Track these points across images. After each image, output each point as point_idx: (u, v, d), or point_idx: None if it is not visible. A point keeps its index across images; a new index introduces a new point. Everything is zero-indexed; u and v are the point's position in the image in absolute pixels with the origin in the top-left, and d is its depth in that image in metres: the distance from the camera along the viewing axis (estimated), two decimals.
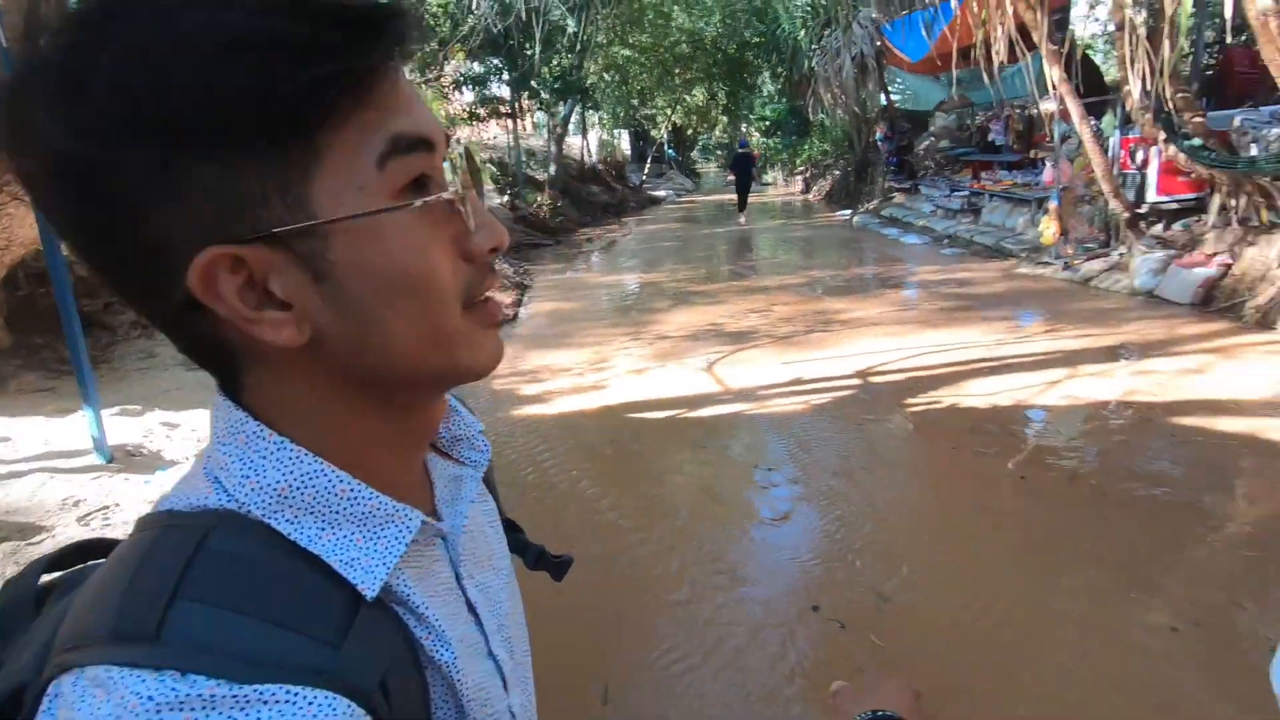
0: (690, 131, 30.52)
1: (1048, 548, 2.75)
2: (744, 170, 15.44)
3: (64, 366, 4.33)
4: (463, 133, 12.42)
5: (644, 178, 24.45)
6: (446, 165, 0.41)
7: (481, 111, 13.19)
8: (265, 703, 0.31)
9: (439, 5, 10.47)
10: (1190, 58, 8.11)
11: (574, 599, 2.55)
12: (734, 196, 15.63)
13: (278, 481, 0.39)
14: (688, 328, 6.42)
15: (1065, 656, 2.16)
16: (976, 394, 4.32)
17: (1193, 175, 6.34)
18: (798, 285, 8.25)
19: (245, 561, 0.36)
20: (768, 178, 30.18)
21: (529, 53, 11.61)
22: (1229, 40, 8.97)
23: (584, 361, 5.54)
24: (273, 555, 0.37)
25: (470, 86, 13.35)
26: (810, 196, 21.10)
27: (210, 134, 0.33)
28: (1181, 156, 6.14)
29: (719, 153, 32.00)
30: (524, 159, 16.04)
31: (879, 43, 12.27)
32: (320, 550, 0.39)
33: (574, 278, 9.95)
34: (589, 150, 21.76)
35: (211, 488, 0.39)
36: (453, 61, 11.29)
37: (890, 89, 14.56)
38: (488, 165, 12.82)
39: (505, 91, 13.82)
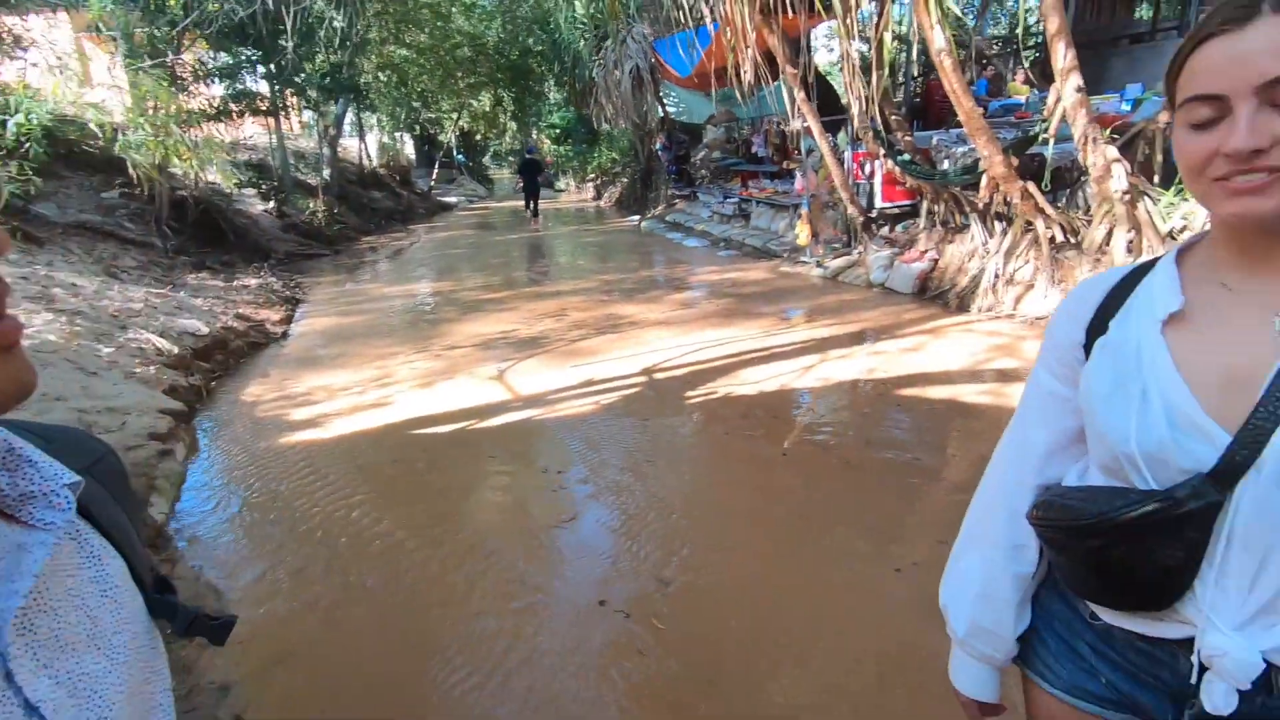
0: (480, 137, 29.93)
1: (808, 515, 3.08)
2: (531, 176, 15.99)
3: None
4: (211, 130, 10.95)
5: (433, 184, 23.50)
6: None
7: (234, 108, 11.76)
8: None
9: None
10: (902, 86, 9.61)
11: (359, 636, 2.37)
12: (533, 211, 16.21)
13: None
14: (478, 337, 6.27)
15: (824, 611, 2.43)
16: (748, 382, 4.72)
17: (907, 185, 7.51)
18: (590, 289, 8.44)
19: None
20: (560, 185, 30.58)
21: (283, 45, 10.57)
22: (930, 74, 10.79)
23: (365, 380, 5.17)
24: None
25: (219, 79, 11.86)
26: (602, 203, 21.72)
27: None
28: (897, 169, 7.26)
29: (511, 159, 31.78)
30: (292, 162, 14.61)
31: (652, 58, 12.97)
32: None
33: (355, 289, 9.26)
34: (368, 154, 20.42)
35: None
36: (191, 49, 9.94)
37: (666, 101, 15.47)
38: (239, 168, 11.44)
39: (263, 87, 12.47)
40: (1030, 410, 0.90)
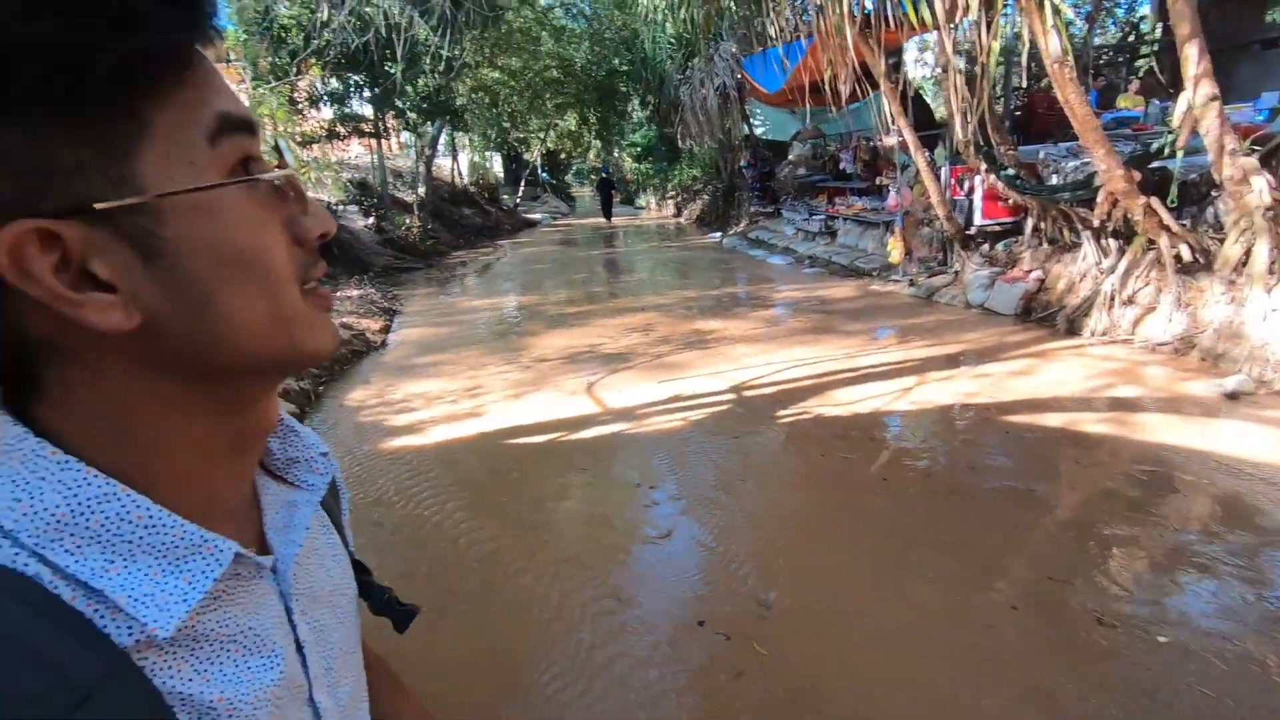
0: (564, 156, 30.74)
1: (910, 542, 2.93)
2: (607, 192, 21.81)
3: None
4: (322, 151, 11.72)
5: (518, 200, 24.27)
6: (266, 152, 0.41)
7: (342, 129, 12.53)
8: None
9: (289, 17, 9.88)
10: (1002, 99, 9.22)
11: (452, 637, 2.42)
12: (609, 220, 21.28)
13: (56, 506, 0.35)
14: (565, 350, 6.37)
15: (929, 643, 2.30)
16: (841, 403, 4.58)
17: (1010, 201, 7.16)
18: (673, 305, 8.45)
19: None
20: (640, 201, 30.93)
21: (391, 70, 11.20)
22: (1031, 86, 10.29)
23: (458, 389, 5.34)
24: (7, 612, 0.33)
25: (329, 103, 12.68)
26: (682, 220, 21.81)
27: (13, 99, 0.31)
28: (1000, 185, 6.93)
29: (593, 177, 32.49)
30: (390, 180, 15.41)
31: (739, 76, 12.97)
32: (105, 585, 0.35)
33: (447, 302, 9.63)
34: (460, 172, 21.30)
35: None
36: (306, 76, 10.68)
37: (751, 119, 15.42)
38: (347, 185, 12.17)
39: (368, 109, 13.24)
40: None
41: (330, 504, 0.58)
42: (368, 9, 9.73)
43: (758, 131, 15.86)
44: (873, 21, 6.24)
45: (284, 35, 9.66)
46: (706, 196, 20.65)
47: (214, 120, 0.37)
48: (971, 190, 7.65)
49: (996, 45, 5.53)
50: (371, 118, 13.15)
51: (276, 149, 0.46)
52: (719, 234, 16.02)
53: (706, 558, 2.92)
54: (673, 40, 16.54)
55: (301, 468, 0.52)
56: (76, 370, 0.36)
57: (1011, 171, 6.88)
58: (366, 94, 12.47)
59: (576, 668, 2.28)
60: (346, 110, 12.74)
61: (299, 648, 0.46)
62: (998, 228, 7.59)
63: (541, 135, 24.46)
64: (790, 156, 14.27)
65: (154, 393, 0.38)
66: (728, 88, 13.11)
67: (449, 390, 5.30)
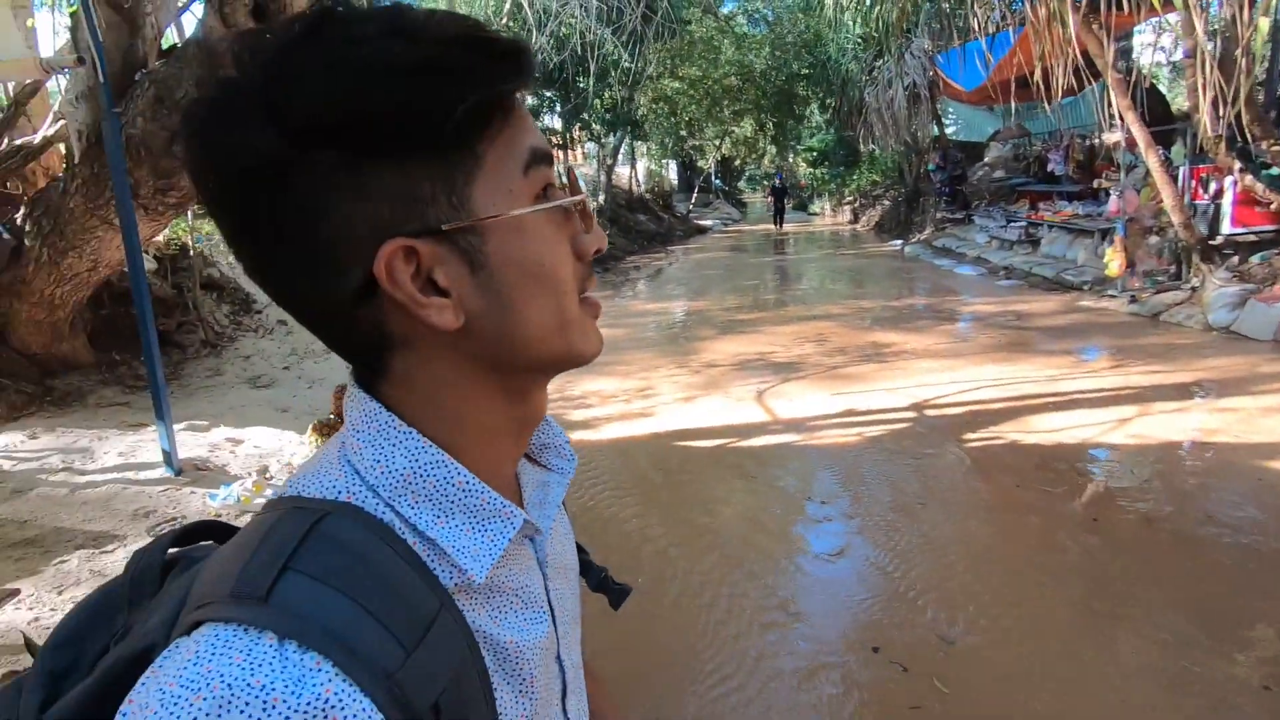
0: (738, 162, 30.72)
1: (1123, 593, 2.59)
2: (779, 197, 22.34)
3: (139, 382, 4.54)
4: None
5: (691, 207, 24.65)
6: (560, 177, 0.47)
7: None
8: (321, 699, 0.33)
9: None
10: (1264, 86, 7.80)
11: (624, 628, 2.52)
12: (780, 226, 21.69)
13: (404, 468, 0.43)
14: (736, 356, 6.38)
15: (1143, 710, 2.02)
16: (1040, 430, 4.15)
17: (1272, 206, 6.05)
18: (848, 315, 8.13)
19: (351, 548, 0.39)
20: (814, 207, 30.06)
21: (582, 85, 11.88)
22: None
23: (630, 389, 5.54)
24: (378, 546, 0.40)
25: None
26: (859, 226, 20.90)
27: (395, 142, 0.39)
28: (1260, 186, 5.88)
29: (765, 183, 32.19)
30: None
31: (931, 73, 12.18)
32: (436, 535, 0.43)
33: (621, 305, 10.02)
34: (637, 180, 22.08)
35: (343, 472, 0.43)
36: None
37: (943, 119, 14.41)
38: None
39: (557, 123, 14.16)
40: None
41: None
42: (563, 30, 10.42)
43: (949, 132, 14.79)
44: (1100, 5, 5.56)
45: None
46: (887, 202, 19.61)
47: (526, 154, 0.44)
48: (1219, 193, 6.57)
49: (1265, 22, 4.69)
50: (560, 130, 14.05)
51: (569, 173, 0.53)
52: (900, 242, 15.14)
53: (882, 582, 2.79)
54: (859, 40, 15.90)
55: (552, 453, 0.57)
56: (415, 359, 0.44)
57: (1275, 170, 5.81)
58: (558, 108, 13.34)
59: (743, 675, 2.29)
60: (539, 125, 13.74)
61: (550, 610, 0.51)
62: (1253, 237, 6.45)
63: (717, 142, 24.65)
64: (986, 158, 13.14)
65: (467, 380, 0.46)
66: (918, 86, 12.36)
67: (622, 389, 5.52)
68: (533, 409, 0.51)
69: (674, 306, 9.76)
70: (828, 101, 20.49)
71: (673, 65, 17.73)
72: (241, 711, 0.31)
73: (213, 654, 0.33)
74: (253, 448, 3.93)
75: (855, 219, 22.24)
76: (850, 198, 23.70)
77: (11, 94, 4.14)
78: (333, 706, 0.33)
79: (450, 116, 0.40)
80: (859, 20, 13.68)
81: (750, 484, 3.78)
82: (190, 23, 6.46)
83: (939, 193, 14.81)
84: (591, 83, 11.55)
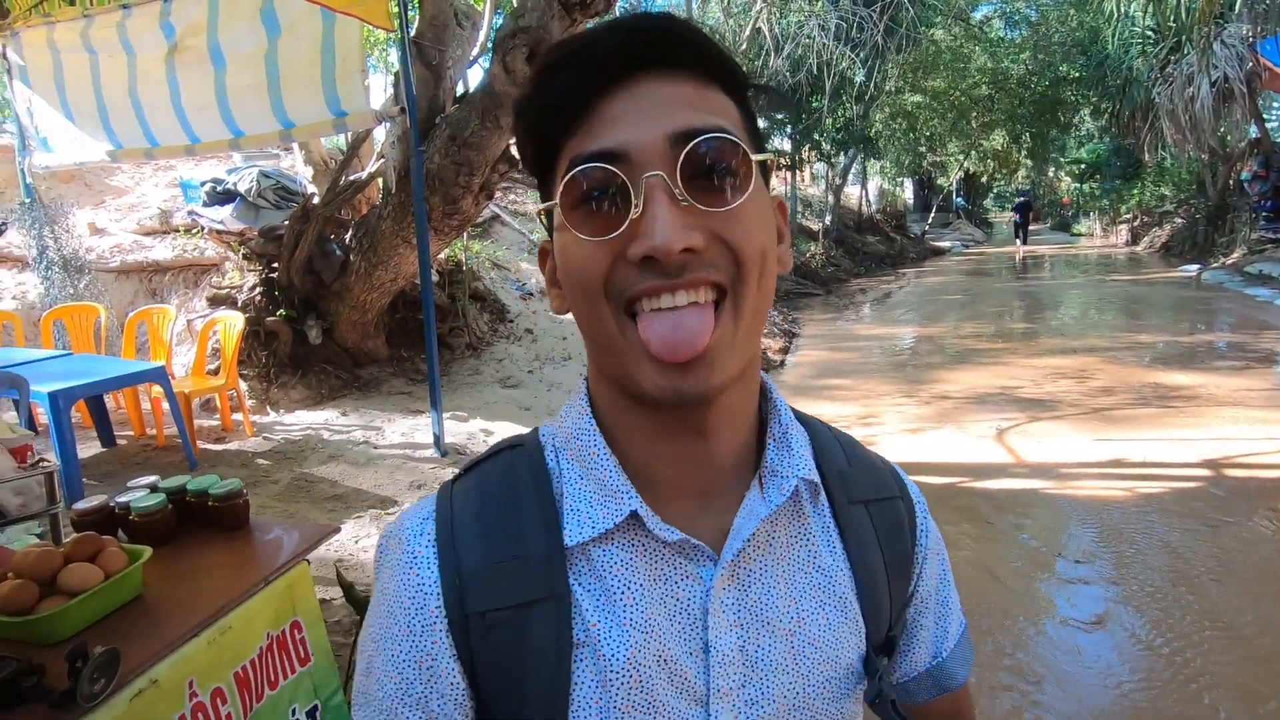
0: (985, 178, 28.02)
1: None
2: (1023, 213, 20.48)
3: (419, 376, 5.39)
4: None
5: (927, 227, 22.98)
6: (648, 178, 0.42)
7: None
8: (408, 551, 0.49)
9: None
10: None
11: None
12: (1027, 247, 19.72)
13: (569, 429, 0.51)
14: (972, 389, 5.81)
15: None
16: None
17: None
18: (1119, 349, 6.99)
19: (503, 474, 0.52)
20: (1080, 227, 26.38)
21: (814, 105, 11.72)
22: None
23: (852, 414, 5.32)
24: (525, 480, 0.50)
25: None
26: (1139, 249, 17.89)
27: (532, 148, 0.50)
28: None
29: (1017, 199, 29.00)
30: (799, 209, 16.15)
31: (1251, 63, 10.06)
32: (564, 487, 0.49)
33: (844, 328, 9.66)
34: (867, 199, 21.15)
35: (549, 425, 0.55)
36: None
37: (1264, 118, 11.81)
38: None
39: (787, 144, 14.12)
40: None
41: (874, 560, 0.54)
42: (799, 51, 10.40)
43: (1273, 133, 12.06)
44: None
45: None
46: (1179, 220, 16.53)
47: (584, 155, 0.46)
48: None
49: None
50: (789, 151, 13.99)
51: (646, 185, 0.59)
52: (1196, 266, 12.66)
53: (1150, 661, 2.35)
54: (1150, 31, 13.68)
55: (774, 481, 0.51)
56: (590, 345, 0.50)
57: None
58: (789, 131, 13.30)
59: None
60: (769, 147, 13.82)
61: (704, 648, 0.47)
62: None
63: (961, 158, 22.72)
64: None
65: (594, 365, 0.52)
66: (1230, 80, 10.29)
67: (844, 415, 5.31)
68: (669, 424, 0.48)
69: (902, 331, 9.17)
70: (1102, 106, 17.84)
71: (914, 78, 16.75)
72: (395, 527, 0.52)
73: (420, 503, 0.53)
74: (501, 439, 4.47)
75: (1134, 240, 19.06)
76: (1128, 215, 20.39)
77: (350, 140, 5.22)
78: (413, 553, 0.49)
79: (546, 121, 0.46)
80: (1150, 10, 11.77)
81: (984, 530, 3.42)
82: (474, 73, 7.58)
83: (1256, 208, 12.13)
84: (826, 102, 11.34)
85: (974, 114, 18.74)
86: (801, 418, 0.58)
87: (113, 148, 4.56)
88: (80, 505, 1.50)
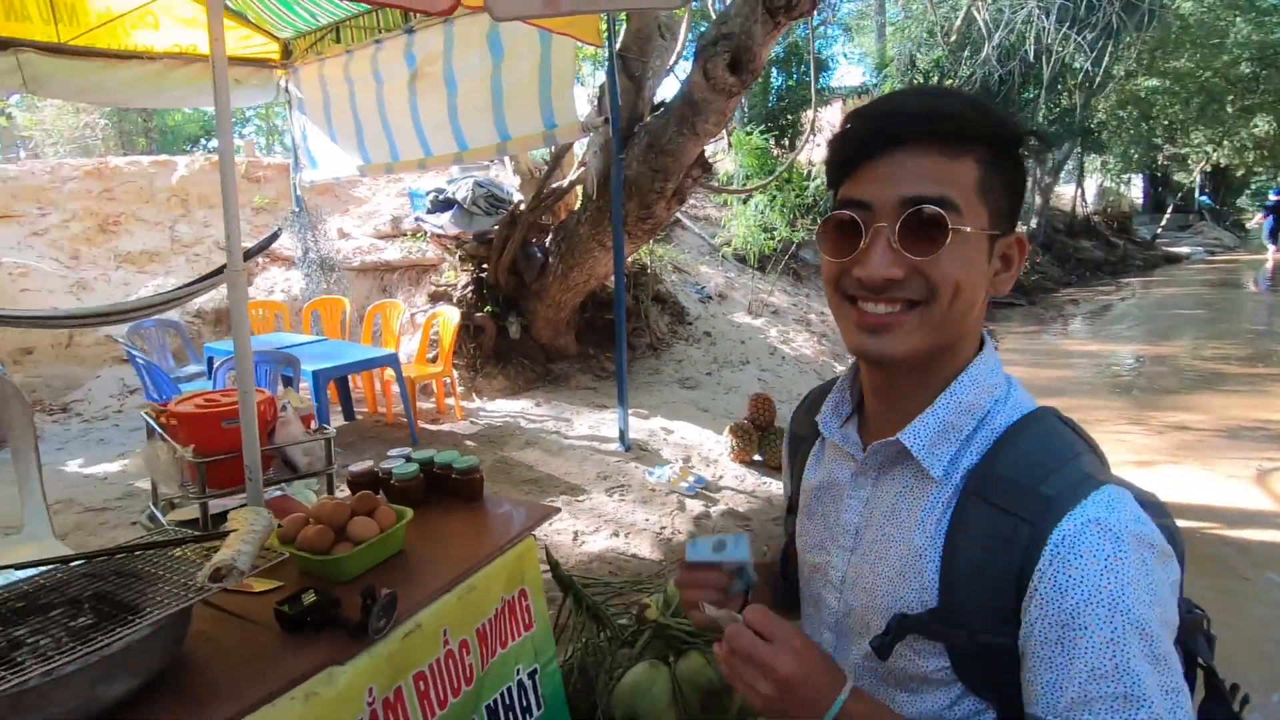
0: (1241, 173, 23.70)
1: None
2: (1277, 215, 16.86)
3: (604, 372, 5.68)
4: None
5: (1160, 230, 19.94)
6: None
7: None
8: None
9: (930, 60, 10.44)
10: None
11: None
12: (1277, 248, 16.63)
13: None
14: (1220, 420, 4.96)
15: None
16: None
17: None
18: None
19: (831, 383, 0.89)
20: None
21: (1028, 96, 10.64)
22: None
23: None
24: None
25: None
26: None
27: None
28: None
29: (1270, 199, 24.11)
30: None
31: None
32: (826, 400, 0.84)
33: (1050, 342, 8.69)
34: (1084, 199, 18.80)
35: None
36: None
37: None
38: None
39: None
40: None
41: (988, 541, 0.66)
42: (1011, 38, 9.50)
43: None
44: None
45: (924, 81, 10.30)
46: None
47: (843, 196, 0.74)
48: None
49: None
50: None
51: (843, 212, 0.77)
52: None
53: None
54: None
55: (906, 434, 0.71)
56: None
57: None
58: None
59: None
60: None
61: (840, 514, 0.79)
62: None
63: (1209, 149, 19.42)
64: None
65: None
66: None
67: None
68: (869, 386, 0.77)
69: (1123, 349, 8.05)
70: None
71: (1152, 61, 14.60)
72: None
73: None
74: (679, 439, 4.57)
75: None
76: None
77: (554, 152, 5.62)
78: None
79: (835, 169, 0.71)
80: None
81: (1240, 585, 2.92)
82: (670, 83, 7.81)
83: None
84: (1043, 93, 10.24)
85: (1230, 97, 15.96)
86: (1033, 423, 0.71)
87: (362, 163, 5.30)
88: (353, 468, 1.77)
